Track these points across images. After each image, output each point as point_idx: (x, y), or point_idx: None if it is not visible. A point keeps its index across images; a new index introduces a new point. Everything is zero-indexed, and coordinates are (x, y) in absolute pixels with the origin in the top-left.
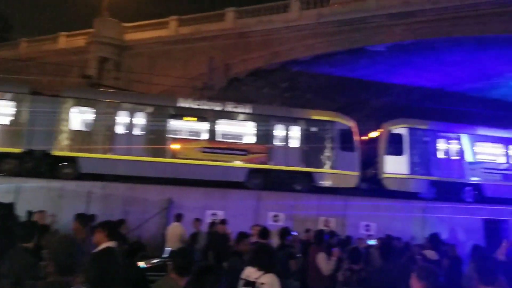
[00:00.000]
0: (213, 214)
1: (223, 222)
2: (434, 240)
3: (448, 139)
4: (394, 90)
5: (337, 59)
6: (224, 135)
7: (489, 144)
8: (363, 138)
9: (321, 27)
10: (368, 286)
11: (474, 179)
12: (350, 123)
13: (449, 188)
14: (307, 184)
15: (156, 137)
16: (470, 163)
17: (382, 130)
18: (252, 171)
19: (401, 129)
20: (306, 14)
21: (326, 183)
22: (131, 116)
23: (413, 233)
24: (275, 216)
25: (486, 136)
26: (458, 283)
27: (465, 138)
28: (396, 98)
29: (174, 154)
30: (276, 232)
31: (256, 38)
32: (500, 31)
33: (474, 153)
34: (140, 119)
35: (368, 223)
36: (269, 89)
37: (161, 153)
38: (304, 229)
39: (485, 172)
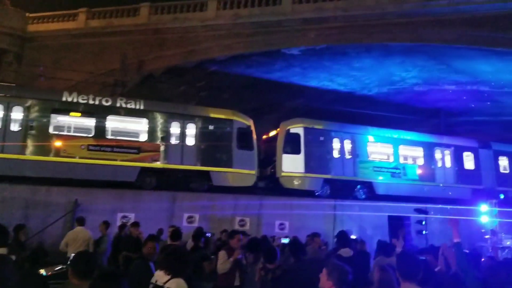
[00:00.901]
0: (124, 217)
1: (134, 224)
2: (343, 237)
3: (342, 138)
4: (308, 92)
5: (254, 61)
6: (114, 132)
7: (380, 144)
8: (263, 137)
9: (238, 28)
10: (282, 285)
11: (366, 178)
12: (248, 122)
13: (343, 186)
14: (204, 183)
15: (36, 133)
16: (362, 162)
17: (280, 129)
18: (144, 170)
19: (297, 129)
20: (223, 14)
21: (224, 182)
22: (7, 110)
23: (325, 230)
24: (190, 217)
25: (378, 136)
26: (365, 277)
27: (358, 138)
28: (310, 100)
29: (56, 152)
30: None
31: (172, 35)
32: (405, 40)
33: (366, 153)
34: (18, 114)
35: (283, 222)
36: (186, 87)
37: (41, 150)
38: (221, 229)
39: (376, 171)
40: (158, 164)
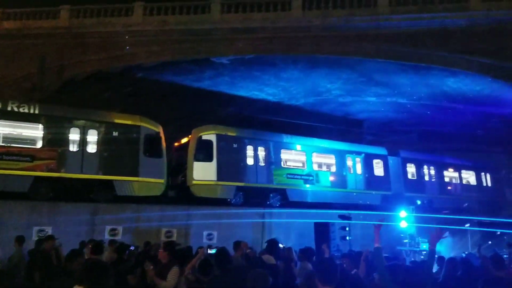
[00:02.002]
0: (41, 231)
1: (49, 238)
2: (272, 245)
3: (256, 146)
4: (238, 101)
5: (183, 68)
6: (5, 139)
7: (294, 152)
8: (175, 144)
9: (166, 35)
10: None
11: (280, 185)
12: (157, 128)
13: (257, 193)
14: (107, 193)
15: None
16: (276, 169)
17: (191, 136)
18: (38, 180)
19: (210, 135)
20: (150, 20)
21: (128, 191)
22: None
23: (254, 239)
24: (113, 230)
25: (291, 143)
26: (293, 284)
27: (272, 145)
28: (240, 109)
29: None
30: (113, 247)
31: (95, 40)
32: (330, 52)
33: (280, 160)
34: None
35: (211, 232)
36: (111, 94)
37: None
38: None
39: (290, 178)
40: (54, 173)
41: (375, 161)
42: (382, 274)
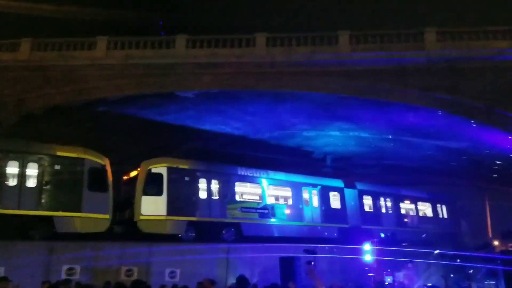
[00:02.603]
0: None
1: (2, 280)
2: (241, 282)
3: (209, 179)
4: (203, 135)
5: (147, 102)
6: None
7: (249, 184)
8: (124, 177)
9: (130, 69)
10: None
11: (234, 219)
12: (103, 161)
13: (210, 228)
14: (46, 230)
15: None
16: (230, 202)
17: (141, 169)
18: None
19: (160, 168)
20: (114, 54)
21: (70, 228)
22: None
23: (218, 276)
24: (70, 269)
25: (246, 176)
26: None
27: (226, 178)
28: (205, 143)
29: None
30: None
31: (57, 73)
32: (294, 88)
33: (235, 193)
34: None
35: (174, 270)
36: (72, 128)
37: None
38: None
39: (244, 212)
40: None
41: (331, 193)
42: None
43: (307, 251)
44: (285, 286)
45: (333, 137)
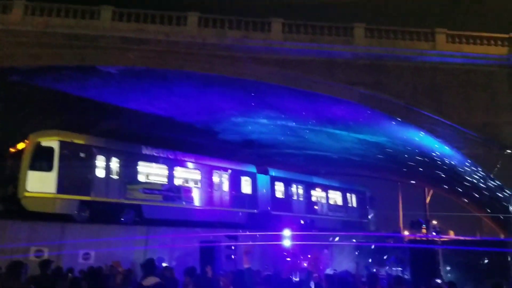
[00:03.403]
0: None
1: None
2: (146, 266)
3: (108, 156)
4: (126, 114)
5: (65, 75)
6: None
7: (154, 165)
8: (10, 150)
9: (49, 38)
10: None
11: (135, 200)
12: None
13: (107, 209)
14: None
15: None
16: (132, 183)
17: (28, 141)
18: None
19: (51, 142)
20: (31, 20)
21: None
22: None
23: (135, 259)
24: None
25: (151, 156)
26: None
27: (127, 157)
28: (128, 122)
29: None
30: None
31: None
32: (224, 72)
33: (137, 173)
34: None
35: (88, 251)
36: None
37: None
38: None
39: (147, 193)
40: None
41: (243, 178)
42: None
43: (228, 237)
44: (204, 270)
45: (261, 125)
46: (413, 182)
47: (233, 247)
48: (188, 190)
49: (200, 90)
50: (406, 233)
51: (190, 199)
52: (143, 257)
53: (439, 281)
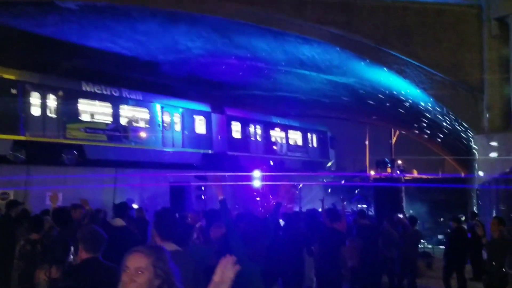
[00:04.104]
0: None
1: None
2: (120, 208)
3: (43, 93)
4: (88, 53)
5: (21, 10)
6: None
7: (98, 103)
8: None
9: None
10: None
11: (75, 140)
12: None
13: (45, 149)
14: None
15: None
16: (72, 121)
17: None
18: None
19: None
20: None
21: None
22: None
23: (105, 201)
24: None
25: (93, 93)
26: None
27: (66, 93)
28: (90, 62)
29: None
30: None
31: None
32: (190, 9)
33: (77, 111)
34: None
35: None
36: None
37: None
38: None
39: (89, 133)
40: None
41: (196, 117)
42: (228, 225)
43: (198, 177)
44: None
45: (229, 66)
46: (380, 123)
47: (203, 188)
48: (136, 130)
49: (165, 28)
50: (372, 172)
51: (139, 139)
52: (112, 198)
53: (401, 215)
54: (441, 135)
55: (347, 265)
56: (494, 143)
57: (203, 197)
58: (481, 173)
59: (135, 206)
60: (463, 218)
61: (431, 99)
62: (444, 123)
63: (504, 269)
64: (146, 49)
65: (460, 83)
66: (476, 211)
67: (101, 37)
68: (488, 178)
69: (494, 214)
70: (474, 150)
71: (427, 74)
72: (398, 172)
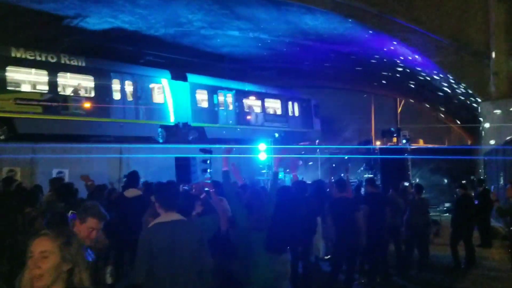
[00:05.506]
0: None
1: None
2: (131, 177)
3: None
4: (89, 28)
5: None
6: None
7: (33, 71)
8: None
9: None
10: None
11: (4, 113)
12: None
13: None
14: None
15: None
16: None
17: None
18: None
19: None
20: None
21: None
22: None
23: (111, 176)
24: None
25: (26, 60)
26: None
27: None
28: (92, 37)
29: None
30: None
31: None
32: None
33: (5, 81)
34: None
35: (61, 170)
36: None
37: None
38: None
39: (20, 104)
40: None
41: (153, 86)
42: (230, 196)
43: (203, 150)
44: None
45: (231, 38)
46: (386, 93)
47: (208, 161)
48: (78, 100)
49: (166, 1)
50: (378, 143)
51: (81, 110)
52: (118, 175)
53: (406, 183)
54: (447, 103)
55: (363, 230)
56: (500, 110)
57: (208, 171)
58: (487, 141)
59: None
60: (471, 185)
61: (436, 66)
62: (450, 91)
63: None
64: (147, 23)
65: (465, 49)
66: (483, 178)
67: (102, 12)
68: (495, 145)
69: (501, 181)
70: (480, 117)
71: (431, 40)
72: (404, 142)
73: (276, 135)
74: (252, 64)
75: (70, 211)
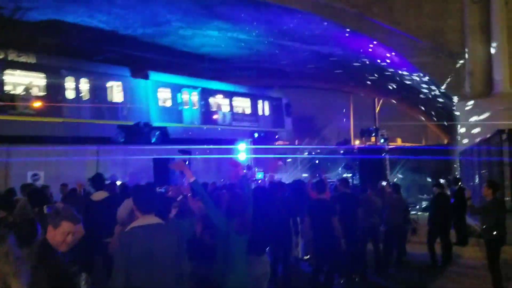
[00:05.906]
0: None
1: None
2: (96, 180)
3: None
4: (65, 28)
5: None
6: None
7: None
8: None
9: None
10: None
11: None
12: None
13: None
14: None
15: None
16: None
17: None
18: None
19: None
20: None
21: None
22: None
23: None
24: None
25: None
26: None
27: None
28: (68, 38)
29: None
30: None
31: None
32: None
33: None
34: None
35: (37, 172)
36: None
37: None
38: None
39: None
40: None
41: (111, 83)
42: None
43: (182, 151)
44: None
45: (211, 37)
46: (364, 92)
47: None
48: (27, 99)
49: (144, 0)
50: (357, 142)
51: (30, 110)
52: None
53: (384, 183)
54: (424, 103)
55: (340, 231)
56: (475, 109)
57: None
58: (463, 139)
59: (118, 182)
60: (447, 184)
61: (413, 66)
62: (427, 91)
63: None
64: (124, 23)
65: (442, 49)
66: (458, 177)
67: (78, 12)
68: (470, 144)
69: (476, 180)
70: (456, 117)
71: (409, 41)
72: (382, 141)
73: (256, 135)
74: (231, 64)
75: (45, 206)
